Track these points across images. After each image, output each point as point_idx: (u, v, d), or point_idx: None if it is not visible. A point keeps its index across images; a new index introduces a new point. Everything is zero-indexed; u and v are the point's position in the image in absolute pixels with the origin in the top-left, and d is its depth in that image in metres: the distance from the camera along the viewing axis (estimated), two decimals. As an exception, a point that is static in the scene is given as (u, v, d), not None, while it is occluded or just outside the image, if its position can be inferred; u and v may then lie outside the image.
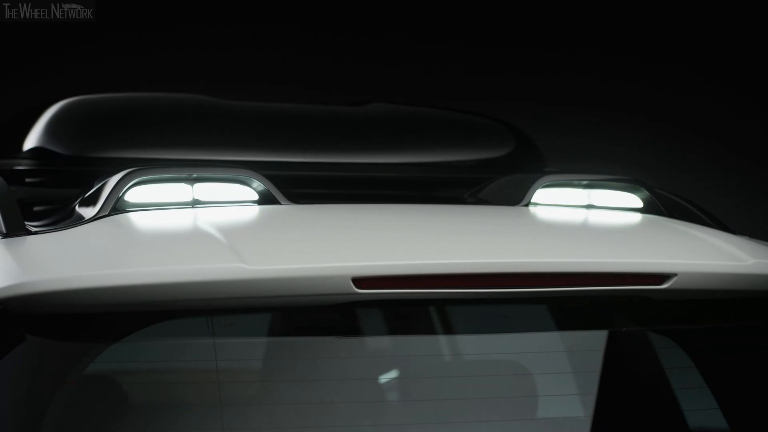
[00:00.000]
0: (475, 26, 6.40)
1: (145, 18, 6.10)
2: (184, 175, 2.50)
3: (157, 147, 2.94)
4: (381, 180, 3.07)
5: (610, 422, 2.38)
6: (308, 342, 2.28)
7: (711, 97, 6.29)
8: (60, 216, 2.46)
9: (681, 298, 2.34)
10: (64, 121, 2.97)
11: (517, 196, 2.72)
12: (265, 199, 2.52)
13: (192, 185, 2.50)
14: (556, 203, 2.76)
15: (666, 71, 6.33)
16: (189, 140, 3.01)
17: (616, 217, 2.74)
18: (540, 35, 6.37)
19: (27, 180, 2.93)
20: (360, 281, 2.15)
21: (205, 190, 2.50)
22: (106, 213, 2.39)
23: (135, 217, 2.40)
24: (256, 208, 2.51)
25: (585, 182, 2.78)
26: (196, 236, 2.32)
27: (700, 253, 2.45)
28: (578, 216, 2.70)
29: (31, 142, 2.94)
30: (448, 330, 2.36)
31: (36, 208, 2.64)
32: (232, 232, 2.32)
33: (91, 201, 2.44)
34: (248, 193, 2.53)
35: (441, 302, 2.28)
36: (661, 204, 2.78)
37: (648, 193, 2.78)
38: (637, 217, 2.75)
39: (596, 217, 2.72)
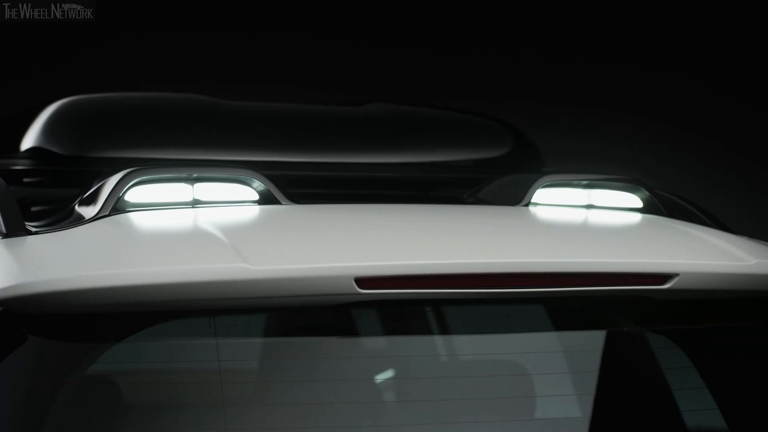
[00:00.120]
0: (475, 26, 6.39)
1: (145, 18, 6.10)
2: (184, 175, 2.50)
3: (157, 147, 2.94)
4: (381, 180, 3.06)
5: (610, 422, 2.38)
6: (311, 342, 2.27)
7: (711, 97, 6.29)
8: (60, 216, 2.46)
9: (682, 298, 2.34)
10: (62, 121, 2.96)
11: (517, 196, 2.72)
12: (265, 199, 2.52)
13: (192, 185, 2.49)
14: (556, 203, 2.75)
15: (666, 71, 6.32)
16: (189, 140, 3.01)
17: (617, 217, 2.74)
18: (540, 35, 6.37)
19: (25, 180, 2.92)
20: (363, 281, 2.15)
21: (205, 190, 2.50)
22: (107, 213, 2.39)
23: (135, 217, 2.39)
24: (257, 208, 2.51)
25: (585, 182, 2.78)
26: (197, 236, 2.32)
27: (701, 253, 2.45)
28: (578, 216, 2.70)
29: (28, 141, 2.93)
30: (450, 330, 2.36)
31: (36, 208, 2.64)
32: (233, 232, 2.32)
33: (91, 201, 2.44)
34: (248, 193, 2.53)
35: (443, 302, 2.28)
36: (661, 204, 2.78)
37: (648, 193, 2.78)
38: (638, 217, 2.74)
39: (596, 217, 2.71)
